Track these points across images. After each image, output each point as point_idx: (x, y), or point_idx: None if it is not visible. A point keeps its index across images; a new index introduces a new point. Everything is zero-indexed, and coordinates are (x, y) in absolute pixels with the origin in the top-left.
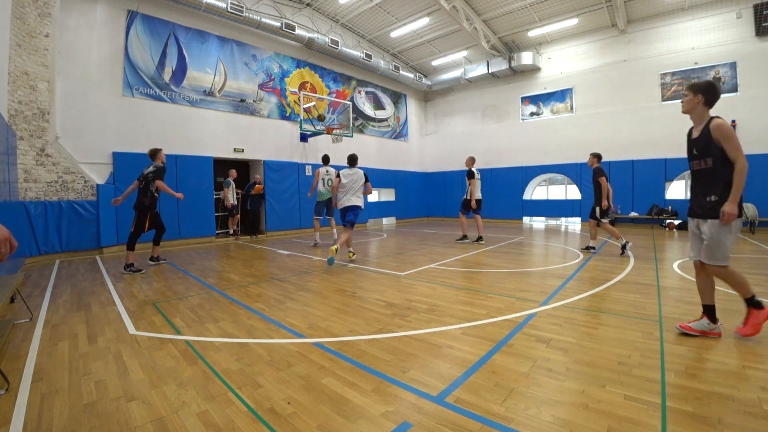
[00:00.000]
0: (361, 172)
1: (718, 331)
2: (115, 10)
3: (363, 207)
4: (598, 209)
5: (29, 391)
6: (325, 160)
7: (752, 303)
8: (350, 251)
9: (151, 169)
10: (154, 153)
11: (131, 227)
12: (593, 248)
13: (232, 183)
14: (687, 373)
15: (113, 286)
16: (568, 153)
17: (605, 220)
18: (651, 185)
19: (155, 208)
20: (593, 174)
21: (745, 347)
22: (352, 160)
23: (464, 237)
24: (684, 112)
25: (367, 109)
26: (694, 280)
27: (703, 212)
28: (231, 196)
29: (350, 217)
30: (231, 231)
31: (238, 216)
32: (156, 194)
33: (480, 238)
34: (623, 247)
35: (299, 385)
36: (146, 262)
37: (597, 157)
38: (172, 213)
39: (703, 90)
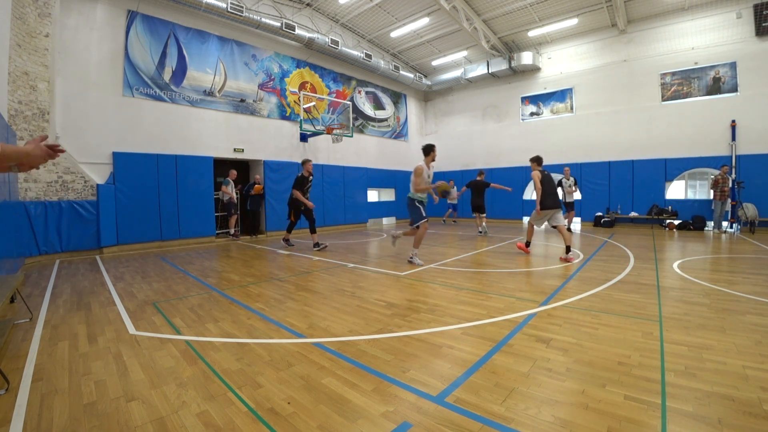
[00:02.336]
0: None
1: (527, 249)
2: (115, 10)
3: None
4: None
5: (29, 391)
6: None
7: (527, 244)
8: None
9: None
10: (303, 163)
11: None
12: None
13: (232, 182)
14: (687, 373)
15: (113, 286)
16: (568, 153)
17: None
18: (651, 185)
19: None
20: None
21: (745, 347)
22: (478, 177)
23: None
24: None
25: (367, 109)
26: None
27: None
28: (230, 190)
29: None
30: (231, 231)
31: (236, 216)
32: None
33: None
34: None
35: (299, 385)
36: (311, 249)
37: (481, 172)
38: (172, 213)
39: (534, 160)
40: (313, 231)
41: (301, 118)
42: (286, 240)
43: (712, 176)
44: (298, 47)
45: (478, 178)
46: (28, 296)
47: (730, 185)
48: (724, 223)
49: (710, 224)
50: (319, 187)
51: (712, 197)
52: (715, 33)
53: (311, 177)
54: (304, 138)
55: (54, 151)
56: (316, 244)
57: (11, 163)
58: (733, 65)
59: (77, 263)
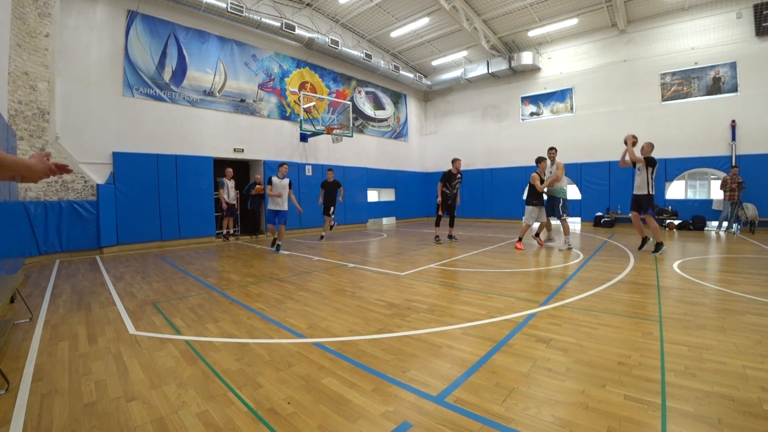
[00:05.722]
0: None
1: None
2: (115, 10)
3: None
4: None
5: (29, 391)
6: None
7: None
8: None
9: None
10: (452, 162)
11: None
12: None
13: (227, 182)
14: (687, 373)
15: (113, 286)
16: (568, 153)
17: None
18: None
19: (452, 200)
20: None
21: (745, 347)
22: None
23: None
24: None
25: (367, 109)
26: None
27: None
28: (227, 195)
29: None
30: (224, 232)
31: (231, 219)
32: (449, 192)
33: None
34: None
35: (299, 385)
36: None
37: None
38: (172, 213)
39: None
40: (450, 224)
41: (301, 118)
42: (450, 237)
43: (716, 176)
44: (298, 47)
45: (331, 179)
46: (28, 296)
47: (738, 186)
48: (725, 224)
49: (714, 224)
50: (319, 187)
51: (722, 197)
52: (715, 33)
53: (459, 175)
54: (304, 138)
55: (60, 169)
56: (451, 236)
57: (11, 174)
58: (733, 65)
59: (77, 263)
